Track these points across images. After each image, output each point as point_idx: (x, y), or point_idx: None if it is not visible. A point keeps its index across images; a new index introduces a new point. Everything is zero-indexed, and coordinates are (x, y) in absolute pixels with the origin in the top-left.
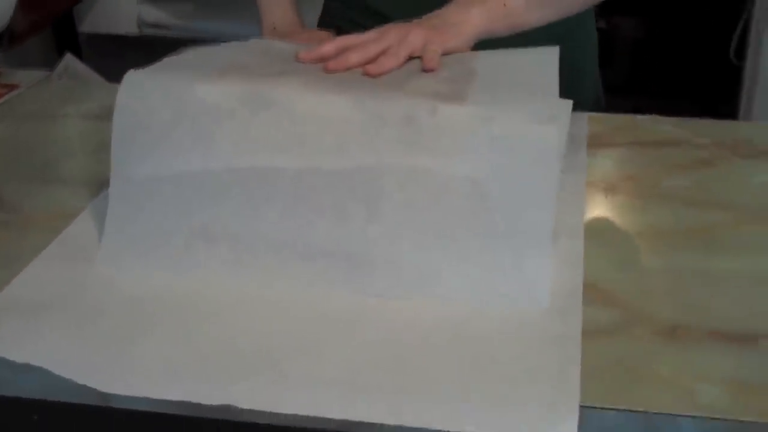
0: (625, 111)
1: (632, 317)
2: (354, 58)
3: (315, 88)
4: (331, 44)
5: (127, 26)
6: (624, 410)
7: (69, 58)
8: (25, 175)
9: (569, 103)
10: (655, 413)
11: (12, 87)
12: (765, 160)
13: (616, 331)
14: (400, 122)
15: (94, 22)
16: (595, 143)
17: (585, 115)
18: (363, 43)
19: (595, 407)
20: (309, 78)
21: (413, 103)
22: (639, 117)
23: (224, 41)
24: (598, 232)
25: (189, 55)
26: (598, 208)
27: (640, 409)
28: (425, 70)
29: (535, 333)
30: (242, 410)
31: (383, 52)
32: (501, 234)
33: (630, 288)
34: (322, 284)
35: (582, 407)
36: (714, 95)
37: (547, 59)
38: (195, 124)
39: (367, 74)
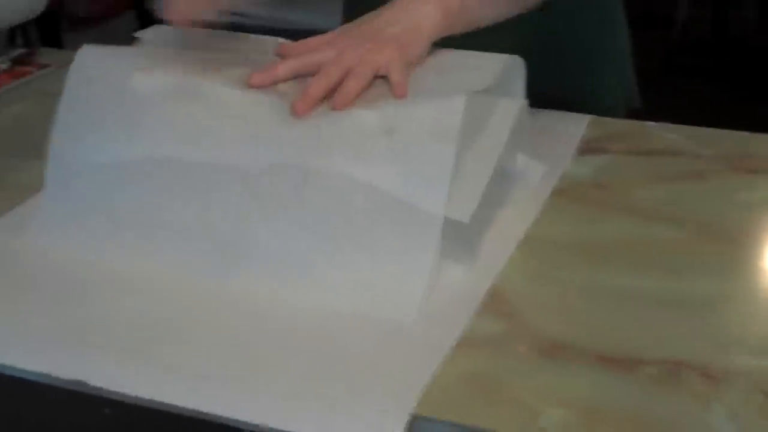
0: None
1: (519, 331)
2: (317, 90)
3: (242, 85)
4: (285, 67)
5: (207, 12)
6: (456, 424)
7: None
8: (22, 150)
9: (519, 102)
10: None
11: (43, 66)
12: (763, 177)
13: (495, 343)
14: (313, 124)
15: None
16: (584, 149)
17: (585, 119)
18: (320, 65)
19: (428, 418)
20: (242, 74)
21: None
22: (649, 124)
23: (301, 32)
24: (536, 240)
25: (150, 43)
26: (552, 216)
27: (469, 423)
28: (398, 97)
29: (403, 339)
30: (93, 386)
31: (346, 75)
32: (386, 244)
33: (532, 301)
34: (211, 272)
35: (415, 417)
36: None
37: (494, 66)
38: (126, 111)
39: (335, 109)
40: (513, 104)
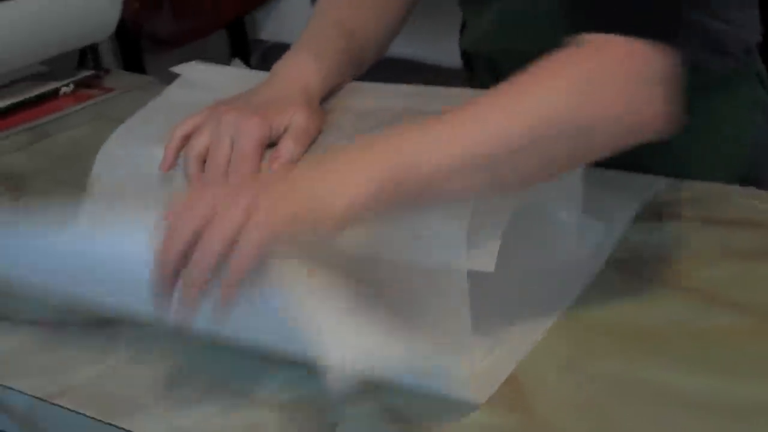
0: None
1: (532, 429)
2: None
3: None
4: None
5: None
6: None
7: (236, 63)
8: (72, 180)
9: None
10: None
11: (107, 90)
12: None
13: None
14: None
15: (269, 30)
16: (654, 214)
17: (660, 181)
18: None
19: None
20: None
21: None
22: (732, 188)
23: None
24: (574, 319)
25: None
26: (599, 291)
27: None
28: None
29: None
30: None
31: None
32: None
33: (554, 394)
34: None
35: None
36: None
37: None
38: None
39: None
40: None
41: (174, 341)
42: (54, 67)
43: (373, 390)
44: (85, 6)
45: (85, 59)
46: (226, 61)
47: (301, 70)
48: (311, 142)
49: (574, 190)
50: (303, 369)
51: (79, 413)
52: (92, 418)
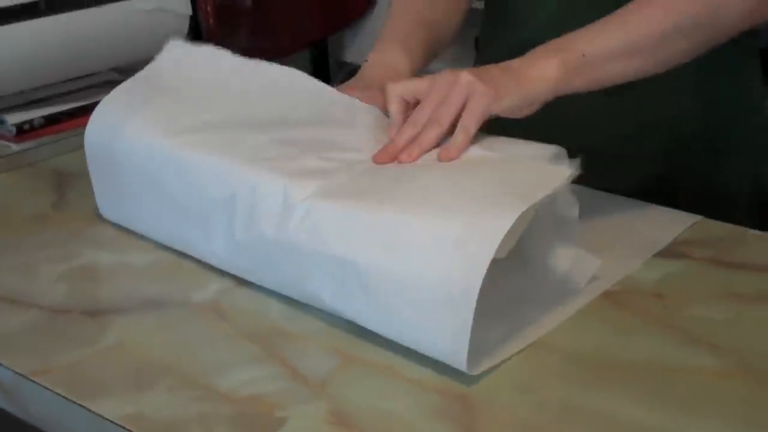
0: None
1: None
2: (416, 151)
3: None
4: (403, 139)
5: None
6: None
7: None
8: None
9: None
10: None
11: None
12: None
13: None
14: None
15: (354, 51)
16: (665, 252)
17: (690, 220)
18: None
19: None
20: None
21: None
22: (753, 233)
23: None
24: (548, 346)
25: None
26: (583, 322)
27: None
28: (441, 159)
29: None
30: None
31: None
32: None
33: (501, 416)
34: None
35: None
36: None
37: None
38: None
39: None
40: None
41: (158, 333)
42: (127, 75)
43: (326, 394)
44: (153, 16)
45: None
46: None
47: (394, 60)
48: None
49: (569, 228)
50: (266, 368)
51: (52, 391)
52: (62, 396)
